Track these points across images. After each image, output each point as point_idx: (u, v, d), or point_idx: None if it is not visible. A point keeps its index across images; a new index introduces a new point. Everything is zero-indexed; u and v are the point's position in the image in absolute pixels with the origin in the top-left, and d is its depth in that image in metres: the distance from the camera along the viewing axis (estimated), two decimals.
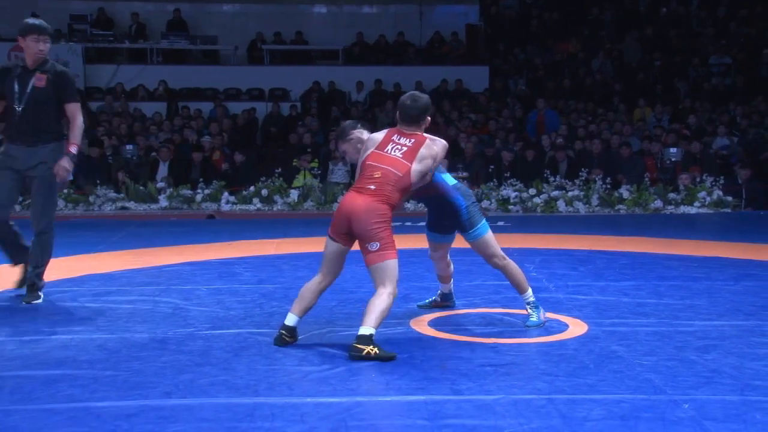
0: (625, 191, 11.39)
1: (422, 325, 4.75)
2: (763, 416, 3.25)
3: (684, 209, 11.10)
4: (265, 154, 13.75)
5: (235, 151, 12.72)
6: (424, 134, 4.46)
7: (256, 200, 11.46)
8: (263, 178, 11.68)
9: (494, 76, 16.54)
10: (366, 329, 4.02)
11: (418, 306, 5.22)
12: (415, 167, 4.32)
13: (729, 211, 11.11)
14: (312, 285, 4.33)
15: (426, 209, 5.02)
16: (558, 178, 11.75)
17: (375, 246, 4.15)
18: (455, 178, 4.94)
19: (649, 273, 6.37)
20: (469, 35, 17.68)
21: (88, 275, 6.36)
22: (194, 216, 10.99)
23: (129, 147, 12.58)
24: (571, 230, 9.14)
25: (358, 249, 4.29)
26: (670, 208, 11.15)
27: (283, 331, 4.29)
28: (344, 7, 18.56)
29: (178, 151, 12.94)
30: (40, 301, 5.34)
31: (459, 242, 5.02)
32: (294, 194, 11.48)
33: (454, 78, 16.10)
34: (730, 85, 15.74)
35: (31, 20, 5.34)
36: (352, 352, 3.98)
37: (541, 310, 4.76)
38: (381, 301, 4.08)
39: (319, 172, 12.11)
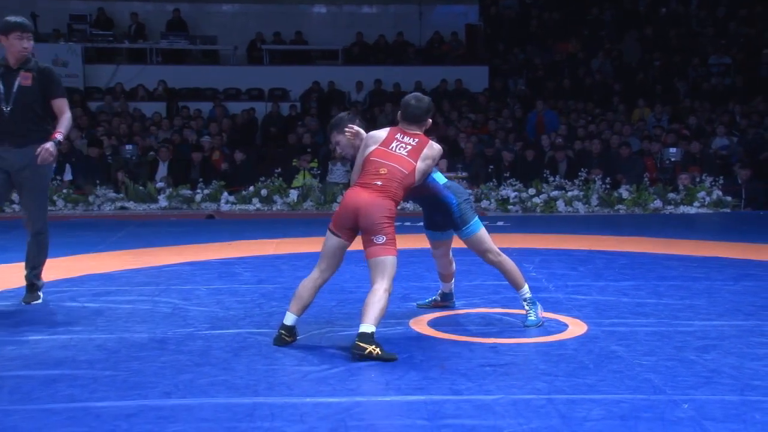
0: (624, 191, 11.40)
1: (422, 325, 4.75)
2: (763, 416, 3.24)
3: (683, 209, 11.11)
4: (264, 154, 13.75)
5: (234, 150, 12.72)
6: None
7: (255, 200, 11.47)
8: (263, 178, 11.69)
9: (494, 76, 16.55)
10: (367, 327, 4.02)
11: (418, 305, 5.23)
12: (420, 165, 4.39)
13: (728, 211, 11.11)
14: (309, 282, 4.33)
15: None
16: (557, 178, 11.76)
17: (381, 239, 4.16)
18: (455, 178, 4.95)
19: (648, 273, 6.38)
20: (469, 35, 17.69)
21: (88, 275, 6.36)
22: (194, 216, 10.99)
23: (128, 147, 12.58)
24: (570, 230, 9.15)
25: (358, 249, 4.28)
26: (670, 208, 11.15)
27: (282, 331, 4.29)
28: (344, 7, 18.56)
29: (178, 151, 12.94)
30: (39, 301, 5.33)
31: (459, 242, 5.03)
32: (293, 194, 11.49)
33: (454, 78, 16.11)
34: (729, 85, 15.75)
35: (13, 18, 5.19)
36: (354, 350, 3.98)
37: (539, 306, 4.78)
38: (378, 298, 4.07)
39: (319, 172, 12.12)
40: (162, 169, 12.29)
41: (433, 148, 4.47)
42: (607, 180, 11.53)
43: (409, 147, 4.40)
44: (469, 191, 4.86)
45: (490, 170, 12.13)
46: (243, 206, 11.42)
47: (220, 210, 11.31)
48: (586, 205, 11.29)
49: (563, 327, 4.68)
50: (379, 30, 17.67)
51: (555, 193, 11.37)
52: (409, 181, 4.35)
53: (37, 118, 5.19)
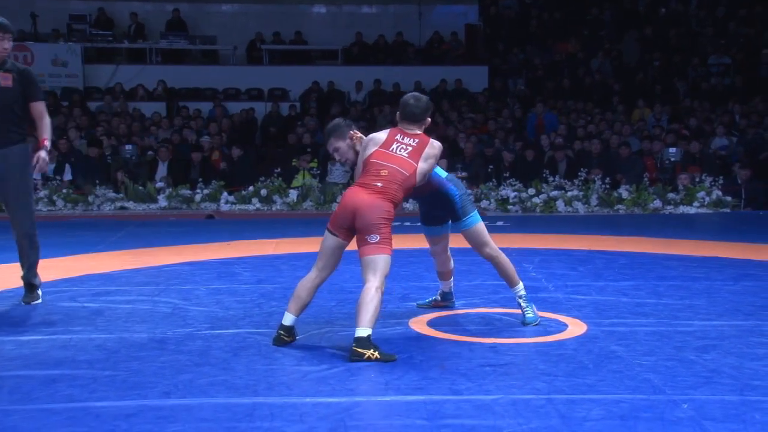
0: (624, 191, 11.40)
1: (421, 325, 4.75)
2: (762, 416, 3.24)
3: (683, 209, 11.11)
4: (264, 154, 13.76)
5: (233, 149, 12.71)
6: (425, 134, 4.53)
7: (255, 200, 11.47)
8: (262, 178, 11.69)
9: (493, 76, 16.55)
10: (363, 330, 4.00)
11: (418, 305, 5.23)
12: (421, 166, 4.38)
13: (728, 211, 11.11)
14: (307, 282, 4.32)
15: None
16: (557, 178, 11.76)
17: (374, 238, 4.15)
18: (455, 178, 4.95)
19: (648, 273, 6.37)
20: (469, 35, 17.69)
21: (87, 275, 6.35)
22: (193, 216, 10.99)
23: (128, 147, 12.58)
24: (570, 230, 9.15)
25: (357, 249, 4.28)
26: (669, 208, 11.15)
27: (281, 331, 4.29)
28: (343, 7, 18.57)
29: (177, 151, 12.94)
30: (39, 300, 5.33)
31: (459, 242, 5.03)
32: (293, 194, 11.49)
33: (454, 78, 16.11)
34: (729, 85, 15.75)
35: None
36: (352, 356, 3.96)
37: (533, 305, 4.80)
38: (371, 297, 4.04)
39: (318, 172, 12.12)
40: (161, 169, 12.29)
41: (434, 146, 4.46)
42: (607, 180, 11.53)
43: (410, 148, 4.39)
44: (469, 191, 4.87)
45: (489, 170, 12.13)
46: (242, 206, 11.42)
47: (219, 210, 11.31)
48: (586, 205, 11.29)
49: (563, 327, 4.68)
50: (378, 30, 17.67)
51: (555, 193, 11.37)
52: (410, 183, 4.34)
53: (17, 119, 5.15)
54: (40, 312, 5.12)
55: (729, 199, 11.27)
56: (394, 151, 4.38)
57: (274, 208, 11.42)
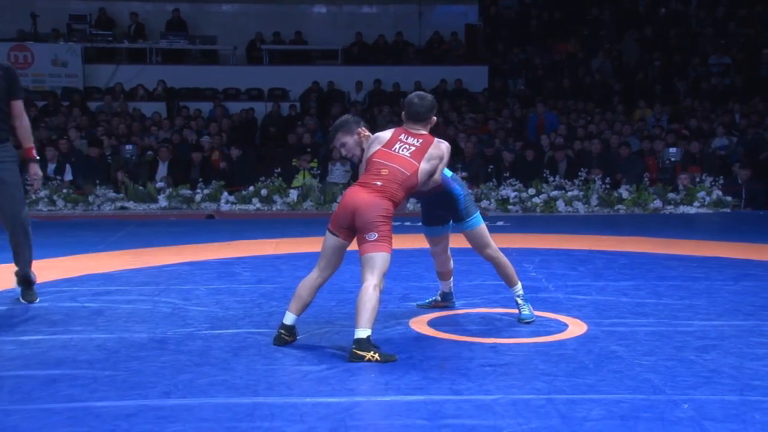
0: (624, 191, 11.40)
1: (421, 325, 4.75)
2: (762, 416, 3.24)
3: (683, 209, 11.11)
4: (264, 154, 13.76)
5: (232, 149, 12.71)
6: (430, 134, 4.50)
7: (255, 200, 11.47)
8: (262, 178, 11.69)
9: (493, 76, 16.55)
10: (362, 331, 3.99)
11: (418, 306, 5.23)
12: (423, 166, 4.36)
13: (728, 211, 11.11)
14: (308, 282, 4.32)
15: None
16: (557, 178, 11.76)
17: (373, 236, 4.15)
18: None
19: (648, 273, 6.37)
20: (469, 35, 17.69)
21: (87, 275, 6.35)
22: (193, 216, 10.99)
23: (128, 147, 12.58)
24: (570, 230, 9.15)
25: (357, 249, 4.28)
26: (670, 208, 11.15)
27: (282, 331, 4.29)
28: (343, 7, 18.56)
29: (177, 151, 12.94)
30: (37, 300, 5.32)
31: (459, 243, 5.03)
32: (293, 194, 11.49)
33: (454, 78, 16.11)
34: (729, 85, 15.75)
35: None
36: (352, 358, 3.96)
37: (530, 304, 4.83)
38: (369, 297, 4.04)
39: (319, 172, 12.12)
40: (162, 169, 12.29)
41: (440, 147, 4.44)
42: (607, 180, 11.53)
43: (413, 148, 4.38)
44: (469, 191, 4.88)
45: (490, 170, 12.13)
46: (243, 206, 11.42)
47: (219, 210, 11.31)
48: (586, 205, 11.29)
49: (563, 327, 4.68)
50: (378, 30, 17.67)
51: (555, 193, 11.37)
52: (411, 183, 4.33)
53: (3, 115, 5.13)
54: (41, 312, 5.11)
55: (729, 199, 11.27)
56: (396, 150, 4.37)
57: (274, 208, 11.43)
